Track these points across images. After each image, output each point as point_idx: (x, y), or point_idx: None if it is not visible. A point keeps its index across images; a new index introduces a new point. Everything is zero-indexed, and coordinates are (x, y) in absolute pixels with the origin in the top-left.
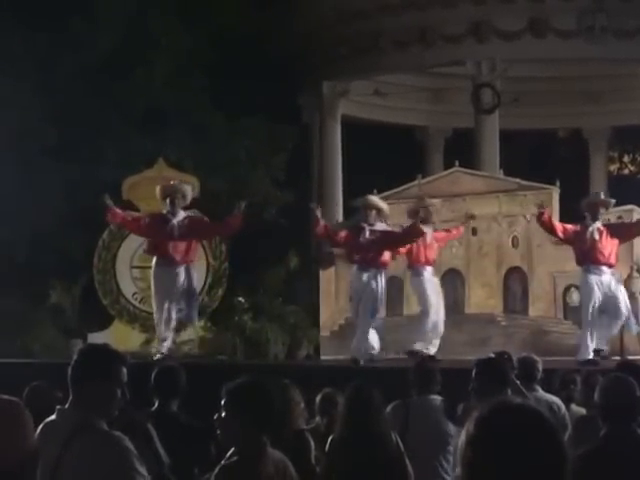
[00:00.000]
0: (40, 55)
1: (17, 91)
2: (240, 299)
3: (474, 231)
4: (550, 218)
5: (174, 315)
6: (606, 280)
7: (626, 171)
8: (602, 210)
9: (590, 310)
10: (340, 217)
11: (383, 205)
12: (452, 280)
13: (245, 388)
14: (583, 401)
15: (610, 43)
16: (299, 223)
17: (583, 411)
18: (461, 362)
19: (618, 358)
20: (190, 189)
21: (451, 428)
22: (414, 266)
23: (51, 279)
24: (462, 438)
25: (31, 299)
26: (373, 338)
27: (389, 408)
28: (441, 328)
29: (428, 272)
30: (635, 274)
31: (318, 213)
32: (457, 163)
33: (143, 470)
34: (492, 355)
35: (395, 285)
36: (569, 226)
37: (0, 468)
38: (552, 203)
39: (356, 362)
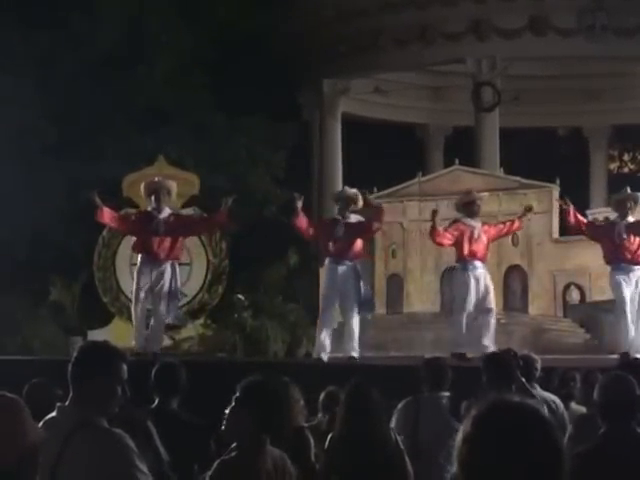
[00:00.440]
0: (40, 53)
1: (17, 89)
2: (240, 297)
3: None
4: (576, 215)
5: (161, 311)
6: (634, 277)
7: (626, 169)
8: (630, 204)
9: (625, 307)
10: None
11: (360, 197)
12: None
13: (256, 386)
14: (583, 399)
15: (610, 41)
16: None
17: (583, 409)
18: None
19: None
20: (175, 185)
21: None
22: (460, 260)
23: (51, 276)
24: (459, 436)
25: (31, 296)
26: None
27: (400, 405)
28: (485, 323)
29: (475, 267)
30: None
31: (299, 204)
32: (457, 161)
33: (144, 467)
34: (497, 352)
35: (395, 283)
36: (597, 223)
37: (0, 465)
38: (552, 201)
39: (353, 360)
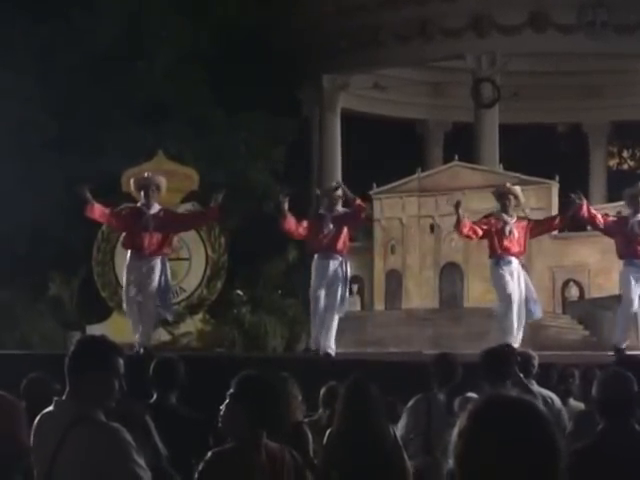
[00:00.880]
0: (41, 48)
1: (18, 83)
2: (239, 292)
3: None
4: (589, 209)
5: (150, 307)
6: None
7: (625, 166)
8: None
9: (630, 305)
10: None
11: (347, 192)
12: (451, 274)
13: (251, 381)
14: (581, 396)
15: (610, 38)
16: (299, 216)
17: (581, 406)
18: (460, 356)
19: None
20: (164, 181)
21: None
22: (492, 256)
23: (50, 271)
24: (455, 431)
25: (30, 291)
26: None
27: (411, 402)
28: (520, 320)
29: (508, 262)
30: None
31: (285, 207)
32: (457, 157)
33: (141, 462)
34: (496, 346)
35: (394, 279)
36: (610, 218)
37: None
38: (551, 197)
39: (328, 356)
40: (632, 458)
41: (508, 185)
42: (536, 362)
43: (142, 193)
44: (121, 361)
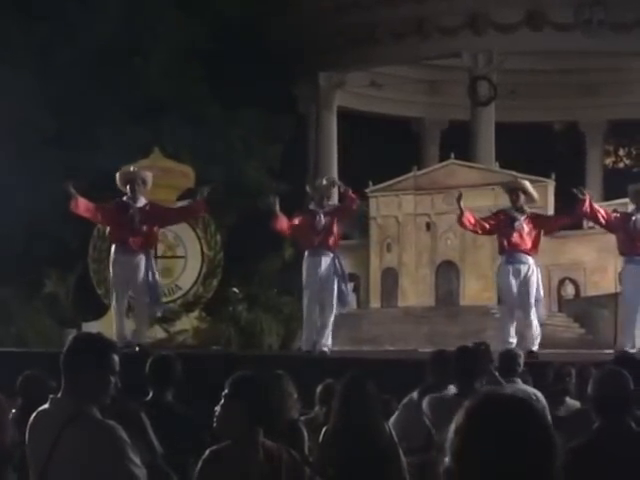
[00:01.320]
0: (38, 44)
1: (15, 80)
2: (235, 290)
3: None
4: (592, 205)
5: (139, 303)
6: None
7: (622, 164)
8: None
9: (630, 303)
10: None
11: (340, 185)
12: (447, 272)
13: (245, 380)
14: (577, 394)
15: (607, 36)
16: (292, 214)
17: (578, 404)
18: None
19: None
20: (150, 175)
21: None
22: (501, 252)
23: (46, 268)
24: (452, 427)
25: (26, 288)
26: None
27: (425, 402)
28: (523, 320)
29: (516, 259)
30: (622, 264)
31: (276, 207)
32: (453, 155)
33: (137, 459)
34: (469, 345)
35: (390, 277)
36: (613, 214)
37: None
38: (548, 196)
39: (324, 354)
40: (628, 456)
41: (518, 180)
42: (522, 360)
43: (128, 187)
44: (117, 358)
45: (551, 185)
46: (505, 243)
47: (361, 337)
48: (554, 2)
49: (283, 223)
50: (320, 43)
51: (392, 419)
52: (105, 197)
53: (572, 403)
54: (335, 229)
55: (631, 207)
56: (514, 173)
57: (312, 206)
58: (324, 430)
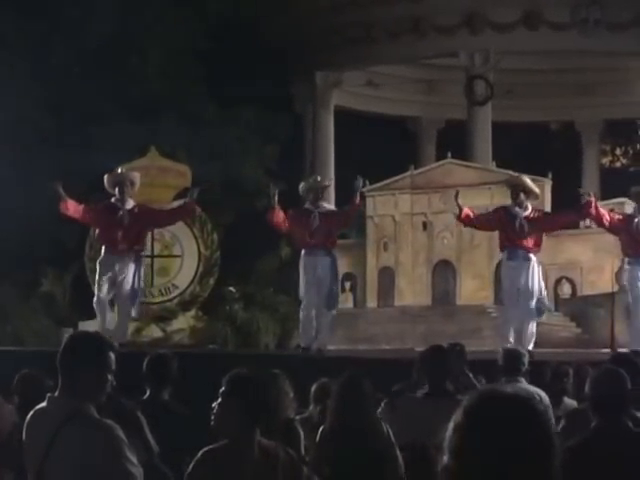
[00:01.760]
0: (35, 43)
1: (12, 79)
2: (231, 289)
3: None
4: (597, 207)
5: (124, 303)
6: None
7: (618, 164)
8: None
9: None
10: (331, 206)
11: (328, 184)
12: (443, 271)
13: (243, 379)
14: (573, 393)
15: (603, 36)
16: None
17: (576, 404)
18: None
19: (608, 350)
20: (139, 176)
21: None
22: (502, 249)
23: (43, 267)
24: (450, 425)
25: (23, 287)
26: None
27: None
28: (522, 318)
29: (517, 256)
30: (626, 266)
31: (275, 198)
32: (449, 155)
33: (133, 458)
34: (442, 345)
35: (387, 276)
36: (616, 215)
37: None
38: (544, 195)
39: (321, 353)
40: (625, 456)
41: (520, 177)
42: (526, 360)
43: (117, 189)
44: (113, 357)
45: (548, 184)
46: (506, 240)
47: (357, 336)
48: (550, 2)
49: (279, 218)
50: (317, 42)
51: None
52: (102, 196)
53: (570, 402)
54: (332, 230)
55: (632, 208)
56: (511, 172)
57: (307, 205)
58: (321, 429)
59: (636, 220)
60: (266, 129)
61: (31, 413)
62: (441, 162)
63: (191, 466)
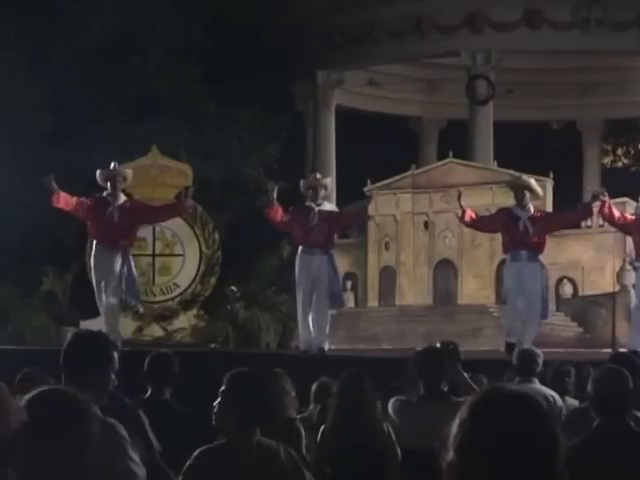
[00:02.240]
0: (34, 42)
1: (12, 77)
2: (232, 288)
3: None
4: (610, 207)
5: (111, 300)
6: None
7: (619, 164)
8: None
9: None
10: (334, 207)
11: (329, 183)
12: (445, 271)
13: (243, 377)
14: (575, 393)
15: (605, 35)
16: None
17: (577, 403)
18: None
19: (610, 350)
20: (131, 173)
21: None
22: (505, 250)
23: (44, 266)
24: (455, 422)
25: (24, 285)
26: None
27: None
28: (525, 319)
29: (520, 257)
30: (627, 266)
31: (274, 195)
32: (451, 154)
33: (136, 457)
34: (438, 347)
35: (388, 275)
36: (628, 216)
37: None
38: (546, 195)
39: (321, 352)
40: (627, 455)
41: (523, 177)
42: (540, 360)
43: (108, 184)
44: (116, 356)
45: (549, 184)
46: (510, 242)
47: (358, 335)
48: (552, 1)
49: (278, 215)
50: (318, 41)
51: None
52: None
53: (572, 402)
54: (330, 229)
55: None
56: (512, 172)
57: (307, 202)
58: (322, 429)
59: None
60: (267, 128)
61: None
62: (442, 161)
63: (186, 465)
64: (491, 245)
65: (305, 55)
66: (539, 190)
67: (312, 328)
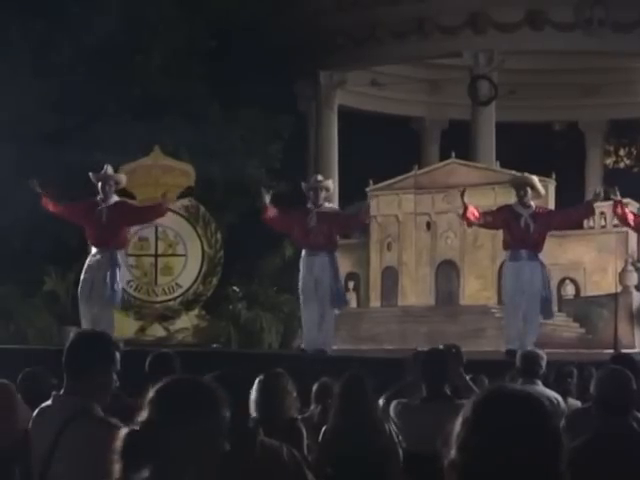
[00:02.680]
0: (37, 41)
1: (14, 77)
2: (235, 288)
3: None
4: (624, 209)
5: (95, 310)
6: None
7: (622, 165)
8: None
9: None
10: (334, 207)
11: (331, 185)
12: (447, 271)
13: (243, 377)
14: (577, 394)
15: (607, 36)
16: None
17: (579, 404)
18: None
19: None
20: (124, 177)
21: None
22: (505, 249)
23: (46, 266)
24: (458, 420)
25: (26, 285)
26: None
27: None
28: (526, 318)
29: (520, 257)
30: (629, 267)
31: (267, 199)
32: (453, 155)
33: None
34: (441, 349)
35: (390, 276)
36: None
37: None
38: (548, 195)
39: (323, 353)
40: (629, 457)
41: (526, 175)
42: (544, 362)
43: (99, 185)
44: (118, 356)
45: (551, 184)
46: (510, 239)
47: (361, 336)
48: (555, 2)
49: (272, 215)
50: (320, 42)
51: None
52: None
53: (574, 403)
54: (331, 230)
55: None
56: (514, 172)
57: (308, 204)
58: (323, 429)
59: None
60: (269, 129)
61: (36, 412)
62: (445, 162)
63: None
64: (493, 246)
65: (307, 56)
66: (541, 188)
67: (316, 329)
